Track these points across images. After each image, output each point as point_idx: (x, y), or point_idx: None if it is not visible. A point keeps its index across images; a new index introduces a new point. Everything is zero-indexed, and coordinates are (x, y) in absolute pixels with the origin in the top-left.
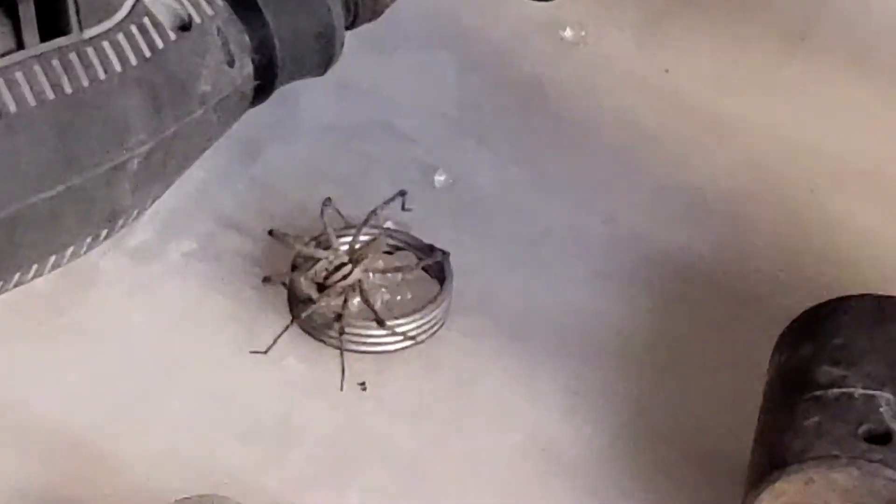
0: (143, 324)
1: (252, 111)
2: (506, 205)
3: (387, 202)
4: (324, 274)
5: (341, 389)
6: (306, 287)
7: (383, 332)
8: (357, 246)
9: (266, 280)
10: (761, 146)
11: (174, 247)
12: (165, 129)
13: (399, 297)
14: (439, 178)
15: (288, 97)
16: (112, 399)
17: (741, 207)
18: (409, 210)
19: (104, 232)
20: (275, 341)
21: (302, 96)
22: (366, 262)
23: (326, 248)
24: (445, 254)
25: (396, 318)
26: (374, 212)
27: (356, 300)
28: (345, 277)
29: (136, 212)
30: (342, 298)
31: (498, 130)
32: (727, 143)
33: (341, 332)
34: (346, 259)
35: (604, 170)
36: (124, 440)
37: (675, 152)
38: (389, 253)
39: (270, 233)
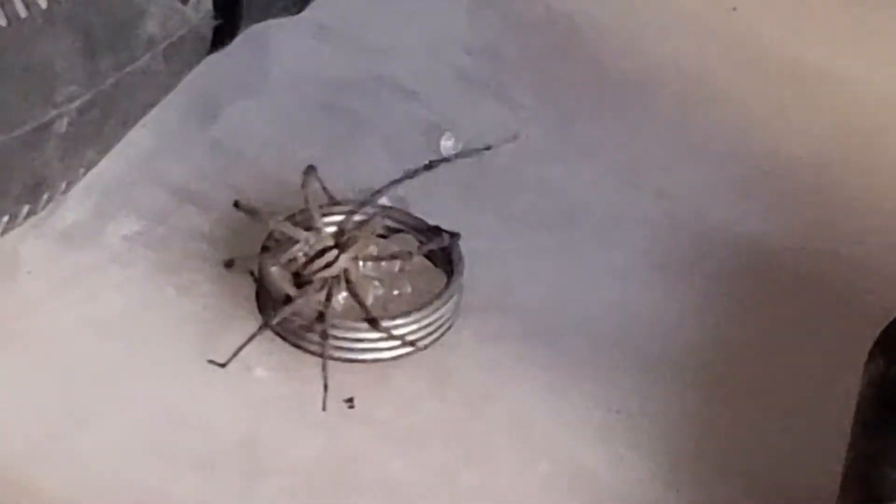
0: (74, 325)
1: (211, 58)
2: (529, 176)
3: (396, 182)
4: (302, 261)
5: (323, 408)
6: (279, 278)
7: (376, 335)
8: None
9: (229, 265)
10: (852, 105)
11: (113, 228)
12: (102, 80)
13: (396, 292)
14: (447, 144)
15: (256, 41)
16: (36, 419)
17: (826, 181)
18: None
19: (25, 209)
20: (237, 352)
21: (273, 40)
22: (355, 247)
23: (307, 228)
24: (454, 236)
25: (393, 317)
26: (378, 192)
27: (342, 295)
28: (328, 265)
29: (64, 184)
30: (325, 293)
31: (519, 83)
32: (809, 100)
33: (324, 336)
34: (330, 242)
35: (653, 133)
36: (51, 470)
37: (743, 112)
38: (384, 237)
39: (236, 205)
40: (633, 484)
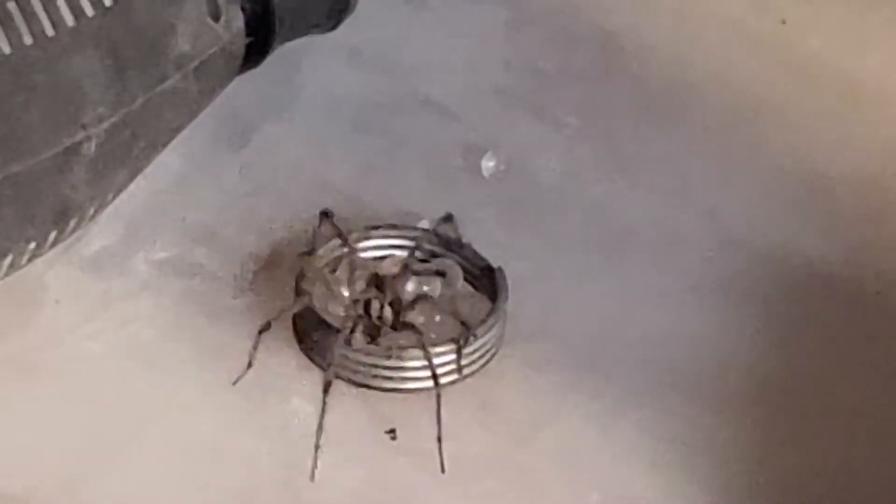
0: (102, 355)
1: (242, 79)
2: (574, 198)
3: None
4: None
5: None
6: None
7: (418, 363)
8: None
9: (265, 328)
10: None
11: (142, 256)
12: (131, 101)
13: (438, 318)
14: (488, 164)
15: (288, 60)
16: (62, 454)
17: (881, 198)
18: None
19: (52, 235)
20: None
21: (306, 59)
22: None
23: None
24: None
25: (435, 344)
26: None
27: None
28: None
29: (93, 209)
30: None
31: (563, 101)
32: (862, 115)
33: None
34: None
35: (703, 152)
36: None
37: (794, 127)
38: (426, 261)
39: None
40: None
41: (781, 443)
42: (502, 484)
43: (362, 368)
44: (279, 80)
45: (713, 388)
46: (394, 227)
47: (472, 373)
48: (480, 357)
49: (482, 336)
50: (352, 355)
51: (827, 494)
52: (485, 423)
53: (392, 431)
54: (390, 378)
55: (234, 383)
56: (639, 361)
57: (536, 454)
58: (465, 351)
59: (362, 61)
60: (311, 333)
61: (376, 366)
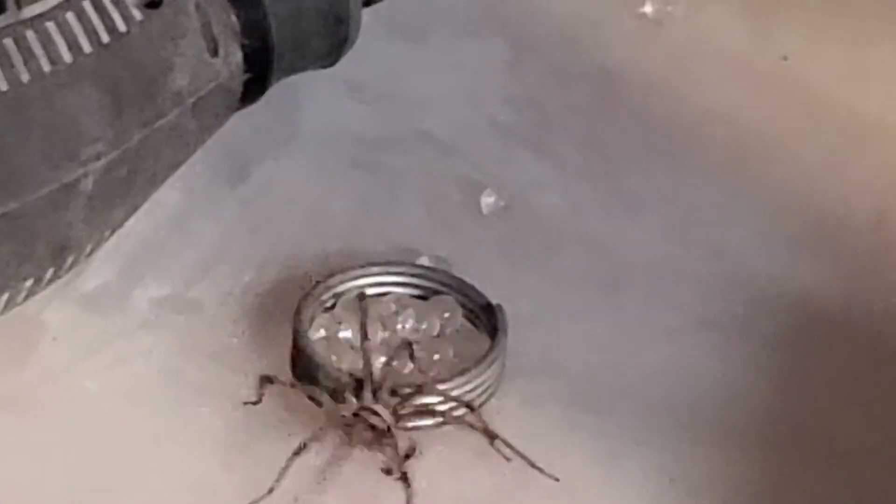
0: (100, 394)
1: (241, 114)
2: (575, 234)
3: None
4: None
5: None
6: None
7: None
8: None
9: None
10: None
11: (140, 292)
12: (129, 137)
13: (437, 356)
14: (488, 201)
15: (287, 95)
16: (56, 494)
17: (884, 236)
18: None
19: (49, 272)
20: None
21: (305, 94)
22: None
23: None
24: (497, 308)
25: (434, 382)
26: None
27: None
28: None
29: (90, 246)
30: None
31: (563, 136)
32: (864, 152)
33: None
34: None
35: (704, 188)
36: None
37: (795, 164)
38: (424, 297)
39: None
40: None
41: (783, 482)
42: None
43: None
44: (278, 116)
45: (714, 426)
46: (391, 263)
47: (473, 410)
48: (480, 395)
49: (482, 374)
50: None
51: None
52: (484, 463)
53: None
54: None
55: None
56: (639, 399)
57: (536, 493)
58: (465, 389)
59: (362, 96)
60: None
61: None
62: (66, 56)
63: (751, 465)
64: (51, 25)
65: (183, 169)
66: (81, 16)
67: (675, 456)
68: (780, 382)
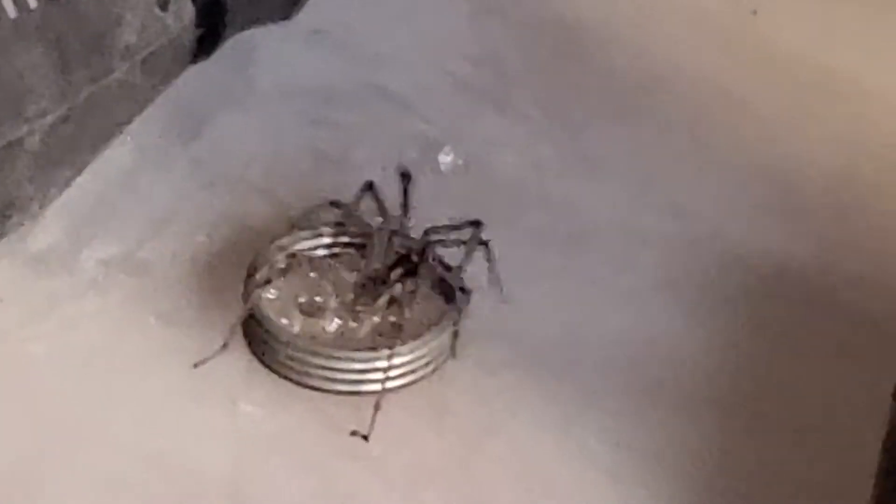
0: (47, 356)
1: (193, 69)
2: (535, 194)
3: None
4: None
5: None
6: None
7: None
8: None
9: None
10: (877, 116)
11: (89, 253)
12: (76, 94)
13: (393, 319)
14: (446, 159)
15: (241, 49)
16: (4, 460)
17: (851, 196)
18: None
19: None
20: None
21: (260, 48)
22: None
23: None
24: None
25: (387, 347)
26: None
27: (335, 322)
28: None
29: (37, 205)
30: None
31: (524, 94)
32: (833, 111)
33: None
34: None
35: (667, 146)
36: None
37: (762, 123)
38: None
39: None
40: None
41: (741, 446)
42: (454, 491)
43: (311, 370)
44: (232, 71)
45: (672, 391)
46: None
47: (425, 376)
48: (434, 359)
49: (436, 338)
50: (298, 355)
51: (785, 497)
52: (437, 429)
53: (365, 436)
54: (339, 380)
55: (196, 366)
56: (597, 364)
57: (489, 460)
58: (418, 354)
59: (319, 50)
60: (259, 337)
61: (320, 367)
62: (11, 11)
63: (708, 430)
64: None
65: (133, 126)
66: None
67: (628, 421)
68: (740, 346)
